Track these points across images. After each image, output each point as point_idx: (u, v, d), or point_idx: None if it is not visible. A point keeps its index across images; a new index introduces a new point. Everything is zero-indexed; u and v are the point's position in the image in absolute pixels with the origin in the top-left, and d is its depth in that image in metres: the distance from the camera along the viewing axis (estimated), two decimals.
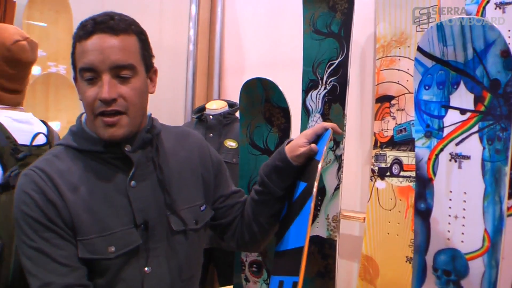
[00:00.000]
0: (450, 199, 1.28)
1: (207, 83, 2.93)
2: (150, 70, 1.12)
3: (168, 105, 2.77)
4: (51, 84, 1.93)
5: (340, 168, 1.86)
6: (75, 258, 0.99)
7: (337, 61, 1.88)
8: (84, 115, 1.11)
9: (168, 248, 1.10)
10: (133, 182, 1.06)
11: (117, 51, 1.01)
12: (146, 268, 1.06)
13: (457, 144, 1.27)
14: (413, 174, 1.58)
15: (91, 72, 1.00)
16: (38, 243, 0.98)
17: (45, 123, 1.56)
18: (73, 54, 1.05)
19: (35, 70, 2.01)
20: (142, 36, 1.08)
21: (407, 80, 1.71)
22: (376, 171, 1.76)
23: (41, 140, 1.47)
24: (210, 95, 2.89)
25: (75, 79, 1.08)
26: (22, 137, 1.41)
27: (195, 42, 2.81)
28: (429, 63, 1.31)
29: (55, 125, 1.96)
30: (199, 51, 2.85)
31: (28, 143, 1.41)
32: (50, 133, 1.52)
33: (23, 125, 1.45)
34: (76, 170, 1.04)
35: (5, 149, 1.34)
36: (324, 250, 1.91)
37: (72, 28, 1.45)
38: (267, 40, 2.61)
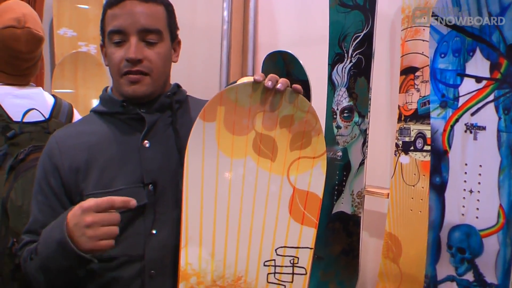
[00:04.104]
0: (466, 173, 1.22)
1: (241, 61, 2.91)
2: (174, 41, 1.17)
3: (203, 83, 2.76)
4: (79, 63, 1.97)
5: (365, 142, 1.81)
6: None
7: (362, 34, 1.82)
8: (110, 86, 1.18)
9: (178, 215, 1.08)
10: (147, 143, 1.09)
11: (146, 16, 1.07)
12: (153, 231, 1.06)
13: (472, 114, 1.20)
14: None
15: (119, 35, 1.06)
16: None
17: (55, 97, 1.49)
18: (102, 20, 1.11)
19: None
20: (169, 8, 1.14)
21: None
22: (400, 146, 1.69)
23: (37, 116, 1.39)
24: (244, 72, 2.88)
25: (102, 45, 1.14)
26: (18, 114, 1.36)
27: (229, 21, 2.78)
28: (444, 29, 1.24)
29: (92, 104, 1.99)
30: (233, 29, 2.82)
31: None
32: (56, 108, 1.45)
33: (23, 100, 1.39)
34: (97, 131, 1.11)
35: None
36: (348, 227, 1.87)
37: None
38: (300, 16, 2.56)
